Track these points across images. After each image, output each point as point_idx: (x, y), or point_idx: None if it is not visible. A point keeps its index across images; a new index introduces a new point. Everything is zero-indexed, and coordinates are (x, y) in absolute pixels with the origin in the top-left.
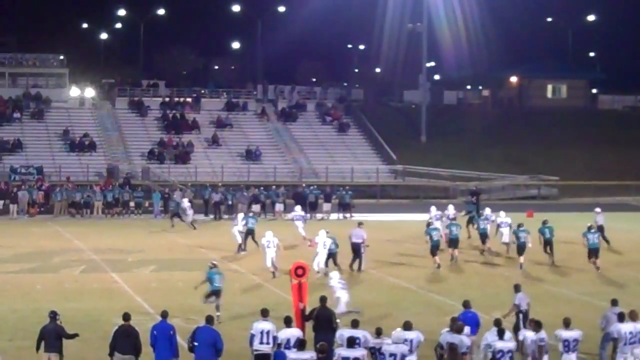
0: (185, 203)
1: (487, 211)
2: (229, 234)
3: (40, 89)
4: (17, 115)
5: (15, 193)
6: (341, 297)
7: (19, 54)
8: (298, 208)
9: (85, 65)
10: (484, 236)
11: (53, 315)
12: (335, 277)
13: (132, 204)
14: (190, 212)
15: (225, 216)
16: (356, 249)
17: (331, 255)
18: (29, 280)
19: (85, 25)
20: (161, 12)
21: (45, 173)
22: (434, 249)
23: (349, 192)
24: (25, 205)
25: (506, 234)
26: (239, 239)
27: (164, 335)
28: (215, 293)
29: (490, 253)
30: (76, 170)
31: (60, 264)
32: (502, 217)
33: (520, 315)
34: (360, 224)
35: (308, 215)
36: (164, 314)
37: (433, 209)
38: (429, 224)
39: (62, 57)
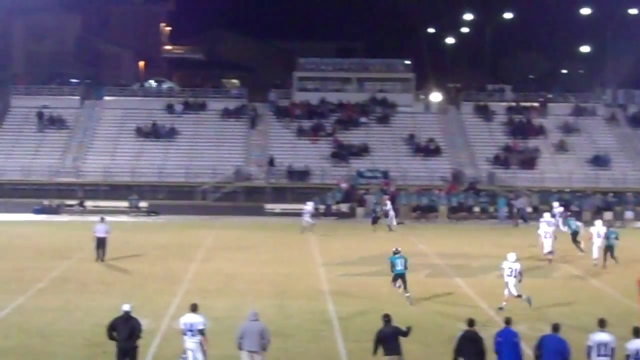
0: (389, 205)
1: None
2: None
3: (386, 93)
4: (363, 119)
5: (362, 196)
6: (508, 282)
7: (366, 60)
8: (547, 215)
9: (430, 70)
10: None
11: (388, 318)
12: (510, 259)
13: (476, 209)
14: (392, 213)
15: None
16: None
17: (609, 248)
18: (374, 283)
19: (431, 30)
20: (509, 15)
21: (390, 177)
22: None
23: None
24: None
25: None
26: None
27: (508, 341)
28: (399, 277)
29: None
30: (421, 175)
31: None
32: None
33: None
34: None
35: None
36: (508, 321)
37: None
38: None
39: (408, 62)
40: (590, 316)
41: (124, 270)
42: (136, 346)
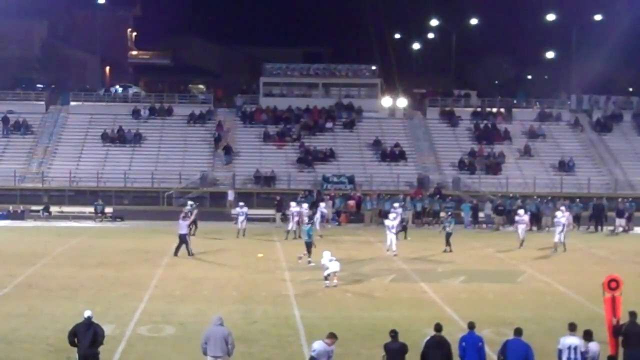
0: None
1: None
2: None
3: (352, 99)
4: (329, 125)
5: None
6: (330, 268)
7: (332, 65)
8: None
9: (397, 76)
10: None
11: (395, 334)
12: (325, 256)
13: (442, 214)
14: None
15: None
16: None
17: None
18: (339, 288)
19: (397, 36)
20: (474, 21)
21: (356, 182)
22: None
23: None
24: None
25: None
26: None
27: (472, 346)
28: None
29: None
30: (387, 180)
31: (370, 273)
32: None
33: None
34: None
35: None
36: (472, 325)
37: None
38: None
39: (374, 68)
40: (555, 320)
41: (89, 276)
42: (97, 352)
